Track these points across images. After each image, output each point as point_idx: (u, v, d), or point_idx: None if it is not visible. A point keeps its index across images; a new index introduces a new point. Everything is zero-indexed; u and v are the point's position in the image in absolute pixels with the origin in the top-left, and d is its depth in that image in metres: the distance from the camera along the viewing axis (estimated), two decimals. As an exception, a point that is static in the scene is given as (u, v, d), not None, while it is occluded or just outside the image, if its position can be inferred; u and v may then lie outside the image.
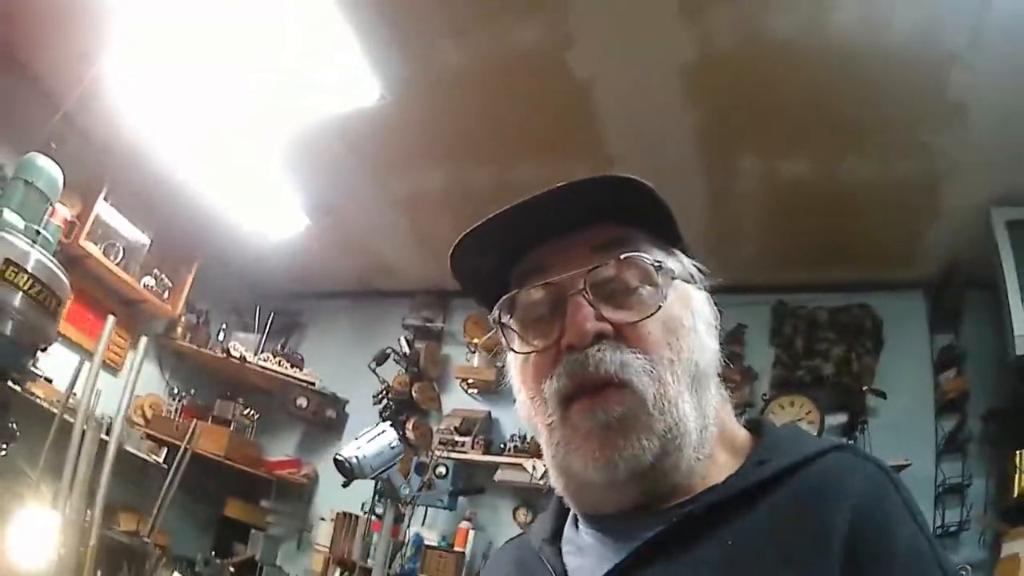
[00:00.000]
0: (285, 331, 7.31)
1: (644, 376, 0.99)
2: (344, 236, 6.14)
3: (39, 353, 2.68)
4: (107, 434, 4.56)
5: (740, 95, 3.93)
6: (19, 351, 2.48)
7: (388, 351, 6.54)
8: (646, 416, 0.98)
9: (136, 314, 6.14)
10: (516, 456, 5.80)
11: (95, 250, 5.39)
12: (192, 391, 6.67)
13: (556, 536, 1.17)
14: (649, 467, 0.98)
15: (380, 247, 6.35)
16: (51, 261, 2.58)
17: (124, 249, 5.73)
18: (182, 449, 5.64)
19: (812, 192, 4.46)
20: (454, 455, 5.97)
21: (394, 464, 3.36)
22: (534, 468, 5.60)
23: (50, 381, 3.53)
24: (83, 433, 4.39)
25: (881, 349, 5.25)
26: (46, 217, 2.87)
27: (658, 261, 1.06)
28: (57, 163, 3.71)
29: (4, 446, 2.55)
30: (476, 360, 6.51)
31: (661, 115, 4.12)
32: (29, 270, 2.46)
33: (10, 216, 2.62)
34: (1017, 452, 4.62)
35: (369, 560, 5.90)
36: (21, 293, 2.43)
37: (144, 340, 4.79)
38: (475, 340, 6.56)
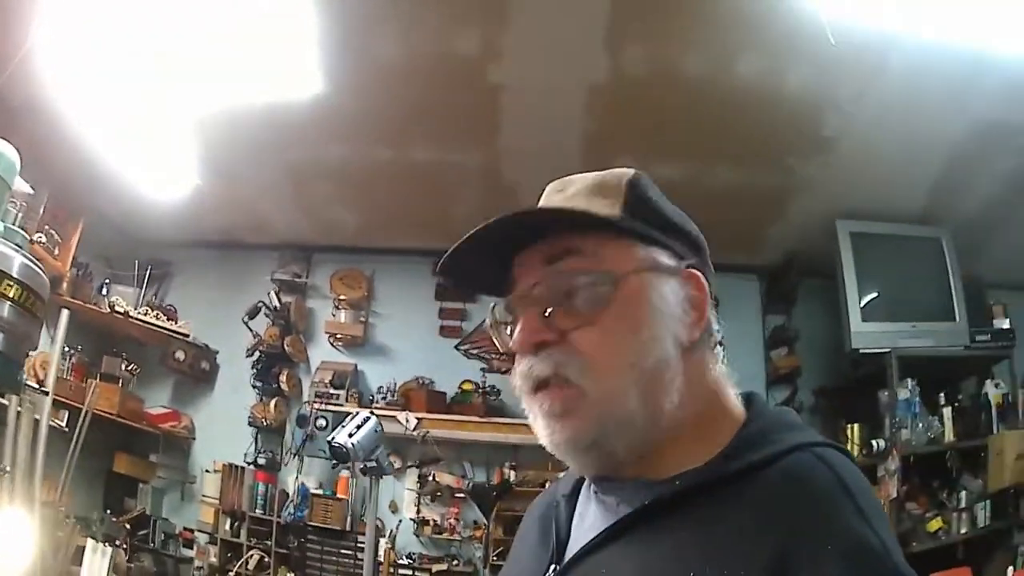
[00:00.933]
0: (156, 282, 7.18)
1: (581, 375, 1.07)
2: (226, 192, 6.08)
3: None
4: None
5: (633, 114, 4.44)
6: (11, 365, 2.38)
7: (259, 305, 6.63)
8: (585, 407, 1.07)
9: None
10: (388, 408, 6.08)
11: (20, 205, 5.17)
12: (79, 348, 6.47)
13: (576, 491, 1.27)
14: (592, 445, 1.08)
15: (255, 202, 6.36)
16: (31, 261, 2.43)
17: (22, 206, 5.55)
18: (84, 411, 5.53)
19: (676, 189, 4.72)
20: (330, 407, 6.23)
21: (380, 446, 3.56)
22: (407, 420, 5.95)
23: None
24: (18, 415, 4.28)
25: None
26: (8, 208, 2.65)
27: (596, 268, 1.11)
28: None
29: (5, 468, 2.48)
30: (343, 316, 6.78)
31: (558, 121, 4.60)
32: (15, 276, 2.30)
33: (-26, 219, 2.36)
34: (848, 425, 5.64)
35: (257, 510, 6.26)
36: (9, 304, 2.31)
37: None
38: (342, 296, 6.82)
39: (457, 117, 4.66)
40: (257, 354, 6.74)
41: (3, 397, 2.51)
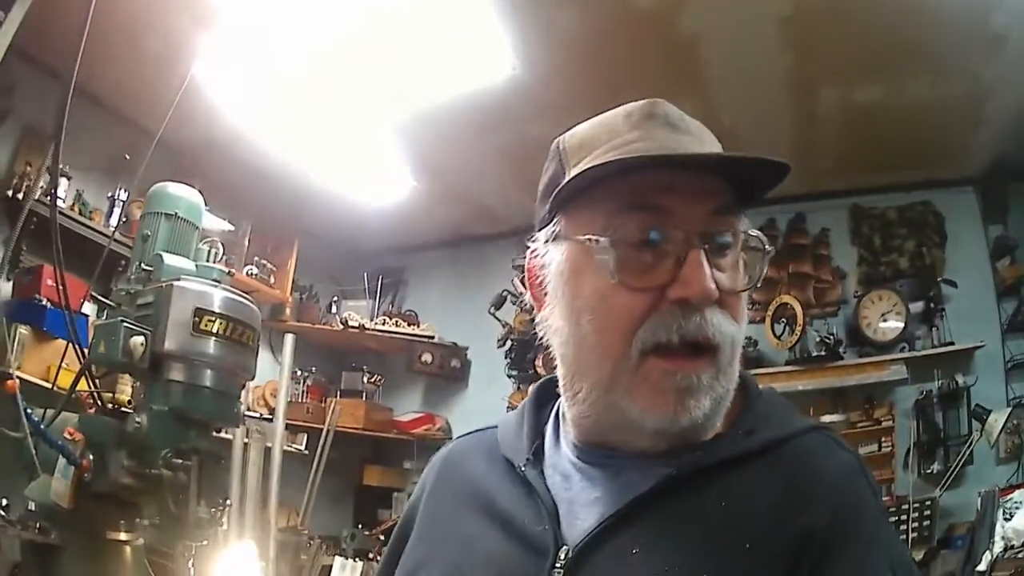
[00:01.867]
0: (391, 290, 7.26)
1: (731, 346, 1.02)
2: (445, 189, 6.08)
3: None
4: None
5: (824, 39, 4.29)
6: (224, 399, 2.32)
7: (504, 293, 6.45)
8: (715, 382, 1.00)
9: (244, 305, 6.07)
10: None
11: (218, 243, 5.32)
12: (313, 369, 6.63)
13: (538, 456, 1.17)
14: (696, 426, 1.01)
15: (476, 192, 6.28)
16: (236, 294, 2.39)
17: (222, 244, 5.67)
18: (324, 431, 5.61)
19: (877, 112, 4.79)
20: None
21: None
22: None
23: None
24: (244, 446, 4.31)
25: (945, 242, 5.60)
26: (201, 245, 2.64)
27: (762, 240, 1.06)
28: (137, 176, 3.67)
29: (228, 502, 2.43)
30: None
31: (757, 61, 4.46)
32: (219, 311, 2.27)
33: (173, 260, 2.38)
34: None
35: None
36: (214, 339, 2.25)
37: None
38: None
39: (659, 74, 4.55)
40: (509, 343, 6.64)
41: (225, 432, 2.41)
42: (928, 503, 4.96)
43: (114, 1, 3.36)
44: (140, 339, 2.17)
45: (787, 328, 5.62)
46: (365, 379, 6.77)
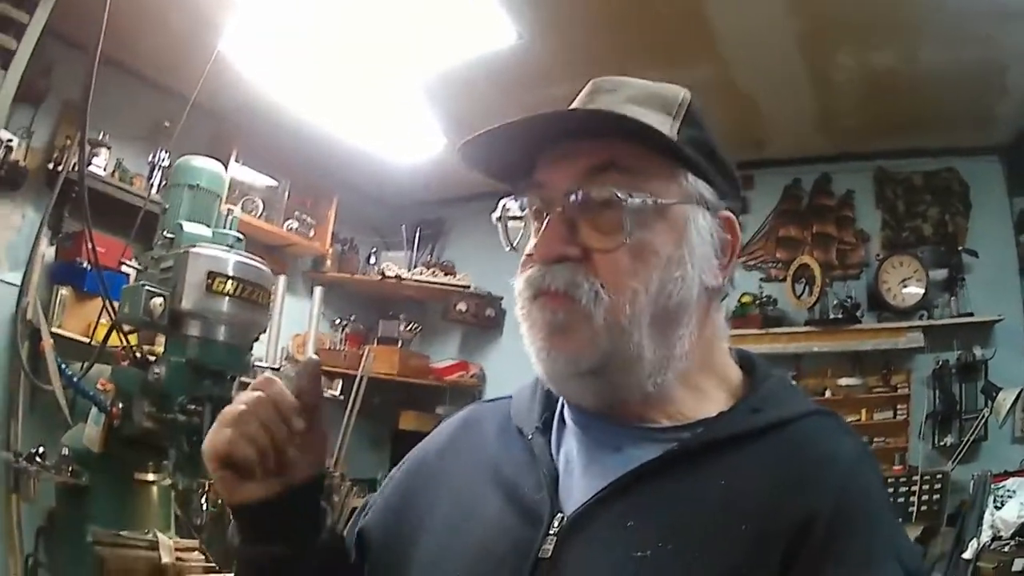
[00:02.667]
0: (430, 241, 7.39)
1: (592, 299, 1.01)
2: None
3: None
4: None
5: (830, 4, 4.26)
6: (236, 351, 2.56)
7: (539, 244, 6.59)
8: (589, 332, 1.01)
9: (285, 258, 6.36)
10: None
11: (236, 211, 5.53)
12: (352, 317, 6.88)
13: (547, 426, 1.18)
14: (589, 375, 1.02)
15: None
16: (248, 257, 2.61)
17: (263, 201, 5.94)
18: (358, 377, 5.85)
19: (898, 77, 4.75)
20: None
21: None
22: None
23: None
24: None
25: (969, 211, 5.54)
26: (221, 214, 2.88)
27: (641, 189, 1.04)
28: (173, 140, 3.85)
29: None
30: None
31: (767, 23, 4.37)
32: (231, 274, 2.49)
33: (192, 227, 2.62)
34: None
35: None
36: (227, 298, 2.48)
37: (283, 279, 4.80)
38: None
39: (668, 32, 4.54)
40: (543, 293, 6.79)
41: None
42: (939, 476, 4.97)
43: None
44: (159, 300, 2.42)
45: (807, 288, 5.69)
46: (401, 327, 6.96)
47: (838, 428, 1.06)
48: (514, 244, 1.15)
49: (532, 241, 1.09)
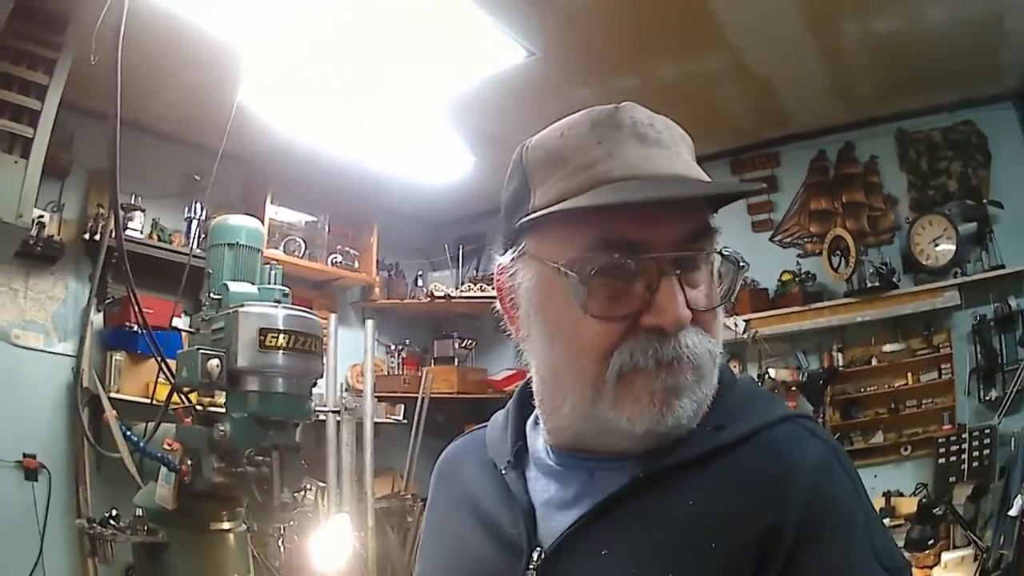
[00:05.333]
0: (474, 255, 7.43)
1: (711, 359, 1.02)
2: (506, 157, 6.11)
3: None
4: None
5: None
6: (296, 400, 2.63)
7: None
8: (699, 389, 1.01)
9: (334, 291, 6.52)
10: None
11: (279, 254, 5.75)
12: (407, 341, 7.02)
13: (519, 457, 1.20)
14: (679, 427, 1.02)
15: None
16: (296, 310, 2.68)
17: (304, 240, 6.04)
18: (419, 399, 5.98)
19: (904, 38, 4.78)
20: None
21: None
22: (736, 324, 5.84)
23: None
24: (338, 425, 4.70)
25: (990, 161, 5.55)
26: (264, 268, 2.92)
27: (735, 256, 1.06)
28: (207, 192, 3.93)
29: (307, 487, 2.74)
30: None
31: (770, 3, 4.41)
32: (282, 328, 2.56)
33: (237, 287, 2.71)
34: None
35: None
36: (281, 352, 2.56)
37: (333, 318, 5.01)
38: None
39: (676, 26, 4.59)
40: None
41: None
42: (987, 431, 4.98)
43: (145, 45, 3.54)
44: (215, 361, 2.51)
45: (843, 260, 5.71)
46: (456, 345, 7.06)
47: (804, 434, 1.05)
48: (583, 306, 1.01)
49: (619, 304, 1.01)
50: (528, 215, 1.06)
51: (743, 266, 1.06)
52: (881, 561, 0.94)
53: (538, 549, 1.06)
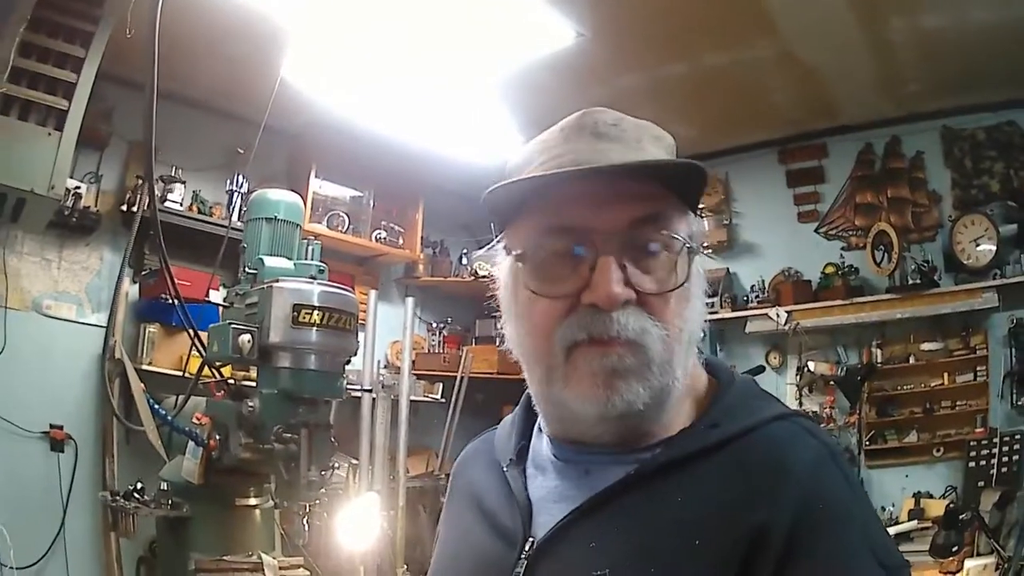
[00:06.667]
0: (517, 234, 7.37)
1: (659, 343, 1.03)
2: None
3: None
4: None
5: None
6: (328, 378, 2.61)
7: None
8: (648, 373, 1.02)
9: (377, 268, 6.50)
10: (761, 307, 5.97)
11: (322, 228, 5.71)
12: (449, 320, 6.99)
13: (522, 456, 1.24)
14: (636, 413, 1.03)
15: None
16: (331, 286, 2.66)
17: (348, 215, 6.03)
18: (458, 379, 5.98)
19: (951, 35, 4.69)
20: (707, 317, 6.19)
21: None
22: (777, 315, 5.81)
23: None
24: (373, 402, 4.69)
25: None
26: (302, 243, 2.91)
27: (688, 239, 1.07)
28: (249, 166, 4.00)
29: (335, 465, 2.72)
30: (706, 223, 6.49)
31: None
32: (316, 304, 2.54)
33: (273, 261, 2.70)
34: None
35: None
36: (315, 328, 2.54)
37: (373, 295, 5.00)
38: (701, 204, 6.66)
39: (723, 13, 4.53)
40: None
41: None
42: (1018, 437, 4.90)
43: (187, 17, 3.60)
44: (247, 336, 2.50)
45: (886, 255, 5.63)
46: (498, 324, 6.97)
47: (799, 433, 1.07)
48: (528, 286, 1.10)
49: (561, 284, 1.07)
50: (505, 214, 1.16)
51: (691, 248, 1.08)
52: (879, 558, 0.95)
53: (531, 540, 1.11)
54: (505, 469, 1.24)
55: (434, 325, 6.93)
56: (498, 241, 1.19)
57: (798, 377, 5.99)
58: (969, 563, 4.42)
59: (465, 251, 7.10)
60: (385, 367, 5.86)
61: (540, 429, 1.25)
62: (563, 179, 1.04)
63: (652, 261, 1.06)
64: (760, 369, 5.98)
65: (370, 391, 4.69)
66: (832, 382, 5.83)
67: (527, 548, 1.10)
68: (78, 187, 4.63)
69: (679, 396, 1.10)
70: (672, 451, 1.05)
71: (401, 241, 6.45)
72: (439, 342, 6.89)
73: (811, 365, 5.91)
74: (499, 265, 1.20)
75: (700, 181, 1.11)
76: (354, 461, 4.62)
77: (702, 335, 1.14)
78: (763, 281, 6.24)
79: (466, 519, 1.28)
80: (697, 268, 1.11)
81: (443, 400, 6.13)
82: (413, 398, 5.21)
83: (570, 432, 1.14)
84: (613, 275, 1.02)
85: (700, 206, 1.16)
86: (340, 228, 5.94)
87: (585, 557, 1.03)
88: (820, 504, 0.96)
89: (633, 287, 1.03)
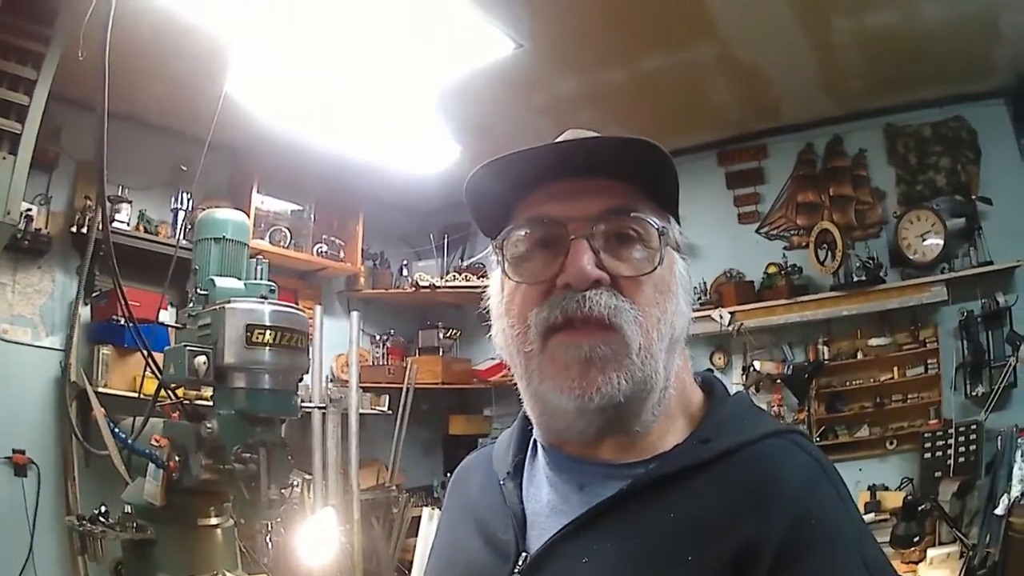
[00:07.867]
0: (459, 245, 7.44)
1: (634, 324, 1.05)
2: (492, 148, 6.12)
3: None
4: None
5: None
6: (283, 396, 2.63)
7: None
8: (627, 360, 1.04)
9: (319, 282, 6.53)
10: (703, 309, 6.00)
11: (264, 244, 5.75)
12: (391, 331, 6.99)
13: (518, 469, 1.26)
14: (617, 405, 1.05)
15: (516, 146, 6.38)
16: (282, 306, 2.68)
17: (289, 229, 6.03)
18: (404, 390, 5.99)
19: (897, 33, 4.77)
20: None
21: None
22: (720, 316, 5.90)
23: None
24: (323, 417, 4.70)
25: (980, 158, 5.57)
26: (250, 262, 2.90)
27: (662, 225, 1.11)
28: (194, 183, 3.92)
29: (294, 483, 2.75)
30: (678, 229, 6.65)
31: None
32: (268, 324, 2.55)
33: (224, 282, 2.70)
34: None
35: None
36: (268, 348, 2.56)
37: (319, 310, 5.03)
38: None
39: (664, 17, 4.57)
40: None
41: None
42: (973, 427, 5.02)
43: (133, 37, 3.58)
44: (202, 358, 2.50)
45: (829, 253, 5.73)
46: (441, 335, 7.07)
47: (791, 449, 1.08)
48: (508, 274, 1.16)
49: (539, 271, 1.12)
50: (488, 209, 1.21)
51: (661, 229, 1.11)
52: (872, 573, 0.96)
53: (524, 554, 1.12)
54: (501, 482, 1.25)
55: (377, 337, 6.98)
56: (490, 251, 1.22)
57: (744, 377, 6.04)
58: (932, 552, 4.53)
59: (405, 262, 7.15)
60: (332, 381, 5.89)
61: (536, 443, 1.26)
62: (541, 174, 1.13)
63: (626, 249, 1.10)
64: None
65: (323, 408, 4.71)
66: (779, 380, 5.90)
67: (521, 562, 1.12)
68: (29, 209, 4.62)
69: (670, 405, 1.14)
70: (665, 466, 1.07)
71: (342, 254, 6.48)
72: (383, 354, 6.92)
73: (757, 364, 5.97)
74: (492, 275, 1.25)
75: (673, 185, 1.15)
76: (308, 476, 4.63)
77: (685, 337, 1.18)
78: (705, 283, 6.29)
79: (461, 530, 1.29)
80: (679, 267, 1.17)
81: (390, 412, 6.15)
82: (361, 411, 5.22)
83: (557, 431, 1.16)
84: (584, 255, 1.05)
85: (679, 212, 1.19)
86: (282, 243, 5.97)
87: (579, 571, 1.05)
88: (812, 520, 0.97)
89: (608, 271, 1.07)
